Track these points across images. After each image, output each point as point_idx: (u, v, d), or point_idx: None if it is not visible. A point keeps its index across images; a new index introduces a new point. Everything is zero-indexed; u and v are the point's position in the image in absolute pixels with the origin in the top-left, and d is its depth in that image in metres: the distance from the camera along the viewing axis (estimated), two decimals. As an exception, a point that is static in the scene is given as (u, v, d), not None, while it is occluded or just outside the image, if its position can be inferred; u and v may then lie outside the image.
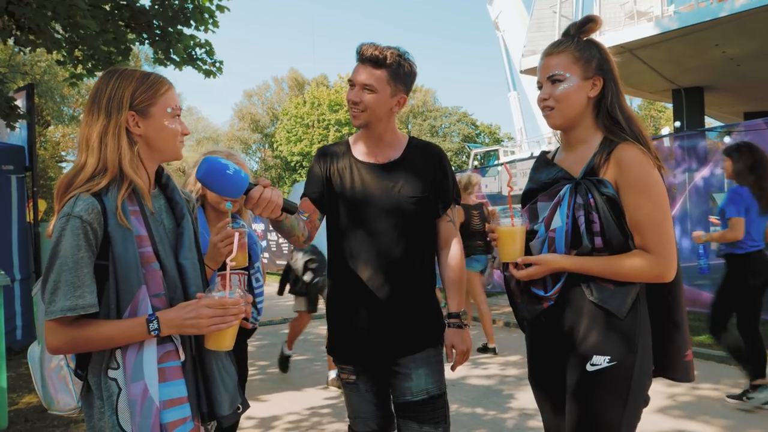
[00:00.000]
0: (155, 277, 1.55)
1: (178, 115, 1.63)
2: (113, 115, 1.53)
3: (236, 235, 1.76)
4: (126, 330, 1.47)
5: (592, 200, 1.67)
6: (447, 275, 2.19)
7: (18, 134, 7.40)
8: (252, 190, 1.64)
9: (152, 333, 1.47)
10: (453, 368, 2.18)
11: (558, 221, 1.73)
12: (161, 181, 1.72)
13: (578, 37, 1.80)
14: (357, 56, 2.09)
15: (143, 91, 1.56)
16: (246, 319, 2.32)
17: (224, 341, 1.57)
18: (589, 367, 1.68)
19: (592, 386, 1.67)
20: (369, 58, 2.04)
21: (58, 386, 1.63)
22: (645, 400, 1.74)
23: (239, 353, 2.34)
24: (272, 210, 1.68)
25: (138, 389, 1.47)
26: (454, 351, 2.15)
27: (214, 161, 1.60)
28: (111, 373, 1.50)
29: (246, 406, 1.79)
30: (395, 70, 2.05)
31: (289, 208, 1.76)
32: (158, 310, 1.52)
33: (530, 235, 1.82)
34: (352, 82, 2.09)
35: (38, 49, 5.89)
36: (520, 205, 1.93)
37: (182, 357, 1.57)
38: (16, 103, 6.17)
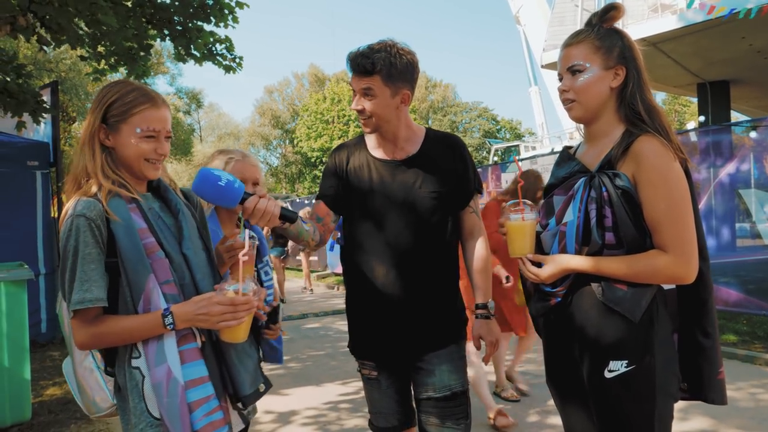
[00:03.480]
0: (162, 265, 1.61)
1: (152, 137, 1.63)
2: (90, 125, 1.63)
3: (250, 240, 1.74)
4: (143, 324, 1.53)
5: (605, 194, 1.60)
6: (472, 266, 2.16)
7: (43, 131, 7.52)
8: (247, 200, 1.65)
9: (168, 327, 1.54)
10: (485, 361, 2.17)
11: (570, 215, 1.68)
12: (152, 184, 1.77)
13: (600, 26, 1.73)
14: (348, 66, 2.03)
15: (118, 107, 1.62)
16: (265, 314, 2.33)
17: (237, 334, 1.62)
18: (607, 374, 1.61)
19: (616, 394, 1.60)
20: (358, 69, 1.98)
21: (95, 387, 1.69)
22: (675, 397, 1.66)
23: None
24: (269, 219, 1.68)
25: (162, 372, 1.54)
26: (482, 342, 2.13)
27: (207, 173, 1.63)
28: (134, 362, 1.57)
29: (269, 385, 1.83)
30: (388, 72, 1.97)
31: (288, 217, 1.75)
32: (171, 298, 1.59)
33: (542, 228, 1.78)
34: (353, 90, 2.05)
35: (62, 47, 5.98)
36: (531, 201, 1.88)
37: (198, 340, 1.63)
38: (42, 98, 6.26)
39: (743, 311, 6.82)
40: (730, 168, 7.30)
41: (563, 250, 1.70)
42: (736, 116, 17.22)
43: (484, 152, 42.71)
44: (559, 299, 1.71)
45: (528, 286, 1.86)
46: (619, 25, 1.76)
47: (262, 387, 1.78)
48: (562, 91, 1.75)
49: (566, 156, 1.86)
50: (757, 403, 4.28)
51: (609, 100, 1.72)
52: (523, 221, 1.74)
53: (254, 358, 1.77)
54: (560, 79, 1.77)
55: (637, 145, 1.61)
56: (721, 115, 13.05)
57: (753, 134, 7.14)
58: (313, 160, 38.98)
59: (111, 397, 1.67)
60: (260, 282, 2.50)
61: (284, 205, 1.77)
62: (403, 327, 2.06)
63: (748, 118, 15.43)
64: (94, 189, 1.59)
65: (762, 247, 7.21)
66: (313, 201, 2.16)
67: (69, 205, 1.57)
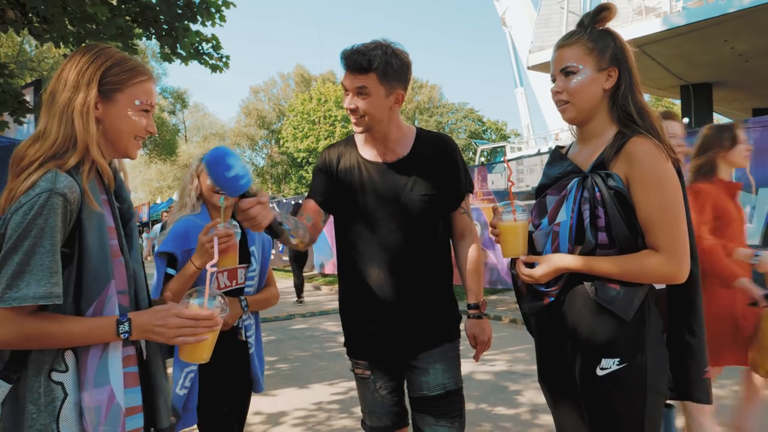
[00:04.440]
0: (121, 272, 1.44)
1: (147, 111, 1.49)
2: (81, 90, 1.39)
3: (215, 239, 1.64)
4: (94, 329, 1.33)
5: (598, 194, 1.60)
6: (465, 267, 2.17)
7: (26, 130, 7.42)
8: (245, 200, 1.56)
9: (121, 335, 1.34)
10: (476, 358, 2.19)
11: (563, 215, 1.68)
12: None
13: (592, 27, 1.73)
14: (342, 64, 1.98)
15: (116, 73, 1.43)
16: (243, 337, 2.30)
17: (199, 353, 1.44)
18: (599, 372, 1.61)
19: (607, 392, 1.61)
20: (353, 66, 1.94)
21: None
22: (665, 395, 1.68)
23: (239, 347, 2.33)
24: (254, 226, 1.61)
25: (103, 395, 1.34)
26: (475, 340, 2.15)
27: (221, 158, 1.51)
28: (56, 377, 1.33)
29: (179, 417, 1.66)
30: (383, 70, 1.94)
31: (274, 231, 1.70)
32: (122, 310, 1.42)
33: (535, 228, 1.78)
34: (345, 89, 2.02)
35: (45, 45, 5.91)
36: (524, 202, 1.87)
37: (145, 358, 1.48)
38: (24, 98, 6.17)
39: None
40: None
41: (556, 250, 1.71)
42: (717, 118, 17.44)
43: (470, 153, 42.86)
44: (552, 299, 1.72)
45: (520, 286, 1.88)
46: (611, 22, 1.77)
47: (173, 419, 1.61)
48: (555, 93, 1.75)
49: (558, 156, 1.87)
50: (741, 401, 4.33)
51: (602, 101, 1.72)
52: (515, 222, 1.74)
53: (169, 388, 1.61)
54: (553, 81, 1.77)
55: (629, 146, 1.61)
56: (704, 117, 13.21)
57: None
58: (299, 160, 38.88)
59: None
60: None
61: (279, 218, 1.71)
62: (397, 326, 2.06)
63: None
64: (72, 162, 1.36)
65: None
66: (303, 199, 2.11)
67: (41, 175, 1.31)
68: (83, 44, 6.38)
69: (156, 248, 2.22)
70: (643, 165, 1.59)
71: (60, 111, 1.39)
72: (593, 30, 1.73)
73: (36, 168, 1.33)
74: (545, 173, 1.87)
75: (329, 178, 2.14)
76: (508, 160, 11.71)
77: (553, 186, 1.77)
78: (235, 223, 2.09)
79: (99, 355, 1.36)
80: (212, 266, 1.47)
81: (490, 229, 1.84)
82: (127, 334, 1.35)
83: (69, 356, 1.34)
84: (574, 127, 1.83)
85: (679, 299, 1.72)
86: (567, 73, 1.71)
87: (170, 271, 2.18)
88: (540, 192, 1.84)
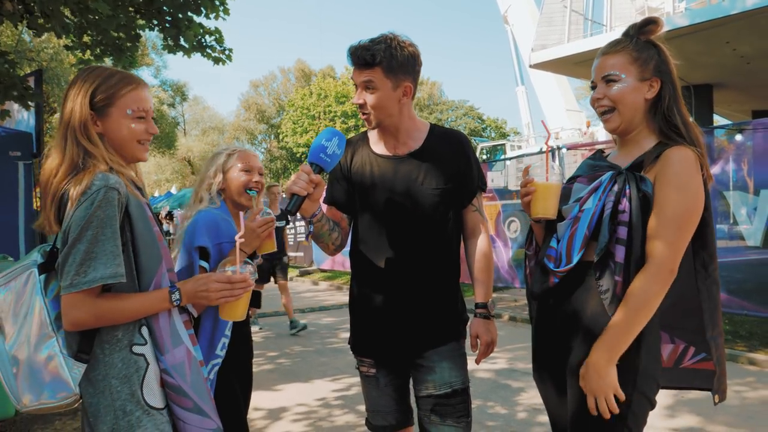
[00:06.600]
0: (167, 253, 1.67)
1: (142, 117, 1.65)
2: (77, 113, 1.59)
3: (241, 214, 2.02)
4: (153, 301, 1.57)
5: (628, 191, 1.60)
6: (474, 265, 2.14)
7: (26, 121, 7.38)
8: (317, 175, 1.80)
9: (174, 303, 1.59)
10: (477, 360, 2.12)
11: (590, 203, 1.67)
12: None
13: (637, 37, 1.73)
14: (348, 60, 2.02)
15: (103, 90, 1.61)
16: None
17: (236, 312, 1.74)
18: None
19: None
20: (358, 61, 1.97)
21: (29, 382, 1.53)
22: (652, 404, 1.66)
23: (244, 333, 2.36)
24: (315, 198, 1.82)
25: (181, 353, 1.61)
26: (478, 341, 2.09)
27: (325, 138, 1.82)
28: (137, 349, 1.56)
29: None
30: (388, 63, 1.95)
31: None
32: (172, 283, 1.66)
33: (559, 218, 1.76)
34: (355, 85, 2.04)
35: (45, 35, 5.88)
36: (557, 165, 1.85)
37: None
38: (29, 84, 6.13)
39: (725, 311, 6.91)
40: (713, 170, 7.40)
41: (572, 236, 1.68)
42: (717, 120, 17.46)
43: (469, 151, 42.87)
44: (558, 280, 1.71)
45: (531, 268, 1.88)
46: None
47: None
48: (596, 99, 1.75)
49: (599, 156, 1.87)
50: (742, 401, 4.35)
51: (643, 111, 1.72)
52: (549, 182, 1.72)
53: None
54: (592, 88, 1.77)
55: (668, 152, 1.61)
56: (704, 119, 13.24)
57: (738, 137, 7.24)
58: (298, 155, 38.84)
59: (73, 387, 1.52)
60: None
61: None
62: (404, 323, 2.04)
63: (730, 122, 15.69)
64: (103, 168, 1.55)
65: (743, 248, 7.31)
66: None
67: (94, 177, 1.50)
68: (84, 35, 6.35)
69: (190, 241, 2.17)
70: (673, 167, 1.59)
71: (66, 134, 1.59)
72: (638, 41, 1.73)
73: (67, 179, 1.55)
74: (582, 164, 1.88)
75: (346, 179, 2.14)
76: (509, 158, 11.69)
77: (584, 174, 1.77)
78: (269, 210, 2.15)
79: (168, 322, 1.61)
80: (240, 238, 1.70)
81: (521, 189, 1.80)
82: (178, 301, 1.59)
83: (144, 331, 1.58)
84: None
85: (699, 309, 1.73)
86: (608, 80, 1.71)
87: (202, 263, 2.15)
88: (570, 180, 1.83)
